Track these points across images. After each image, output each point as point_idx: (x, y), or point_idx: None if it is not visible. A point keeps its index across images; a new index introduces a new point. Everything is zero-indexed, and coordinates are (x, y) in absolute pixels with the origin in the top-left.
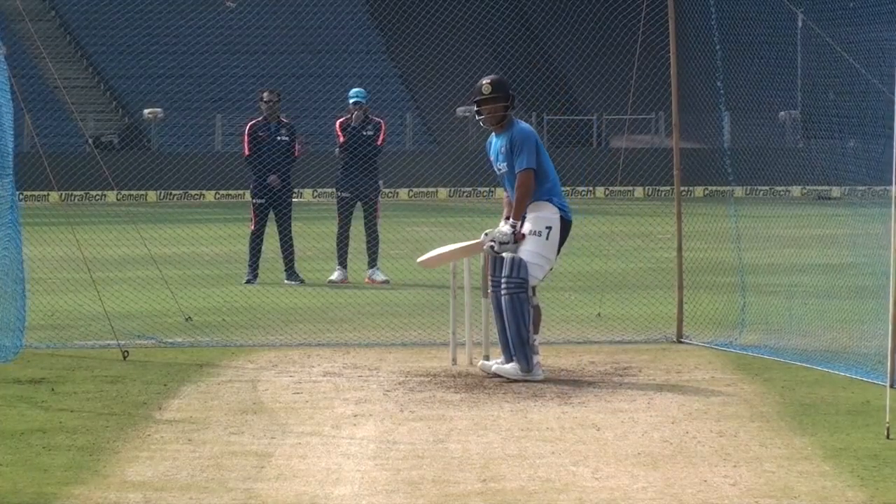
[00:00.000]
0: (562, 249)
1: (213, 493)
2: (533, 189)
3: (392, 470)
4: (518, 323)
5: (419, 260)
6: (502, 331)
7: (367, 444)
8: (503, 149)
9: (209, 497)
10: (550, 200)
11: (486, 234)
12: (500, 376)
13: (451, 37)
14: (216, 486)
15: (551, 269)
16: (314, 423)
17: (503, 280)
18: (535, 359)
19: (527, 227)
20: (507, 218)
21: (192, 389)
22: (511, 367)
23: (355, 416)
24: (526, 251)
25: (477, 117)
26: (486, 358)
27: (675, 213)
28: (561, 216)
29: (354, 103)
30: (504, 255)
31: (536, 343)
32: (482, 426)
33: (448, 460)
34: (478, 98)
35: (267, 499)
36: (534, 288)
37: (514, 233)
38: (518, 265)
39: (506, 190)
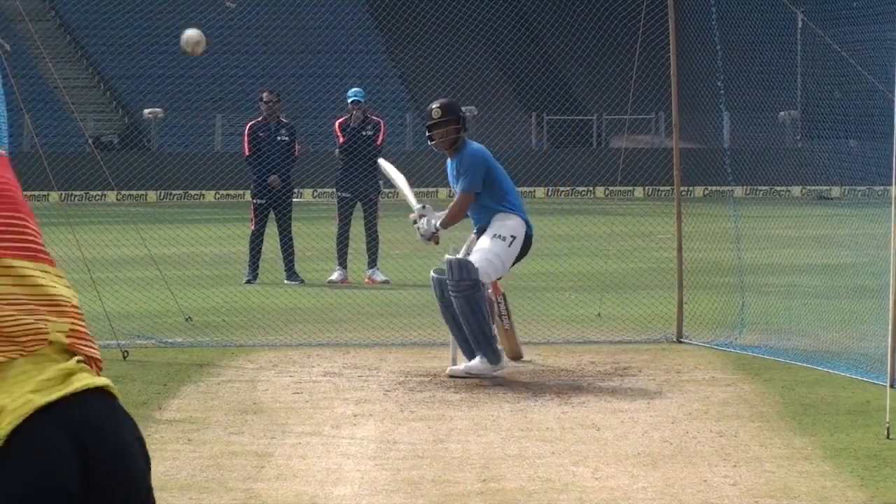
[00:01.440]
0: (520, 261)
1: (213, 492)
2: (467, 210)
3: (392, 470)
4: (478, 319)
5: (381, 162)
6: (459, 331)
7: (367, 444)
8: (455, 172)
9: (209, 497)
10: (517, 213)
11: (423, 211)
12: (472, 375)
13: (452, 36)
14: (216, 485)
15: (501, 277)
16: (314, 423)
17: (453, 284)
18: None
19: (492, 231)
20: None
21: (192, 389)
22: (479, 363)
23: (355, 415)
24: (485, 250)
25: (429, 142)
26: (454, 362)
27: (675, 214)
28: (525, 231)
29: (353, 102)
30: (450, 257)
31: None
32: (482, 426)
33: (448, 460)
34: (429, 122)
35: (267, 499)
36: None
37: (434, 234)
38: (466, 267)
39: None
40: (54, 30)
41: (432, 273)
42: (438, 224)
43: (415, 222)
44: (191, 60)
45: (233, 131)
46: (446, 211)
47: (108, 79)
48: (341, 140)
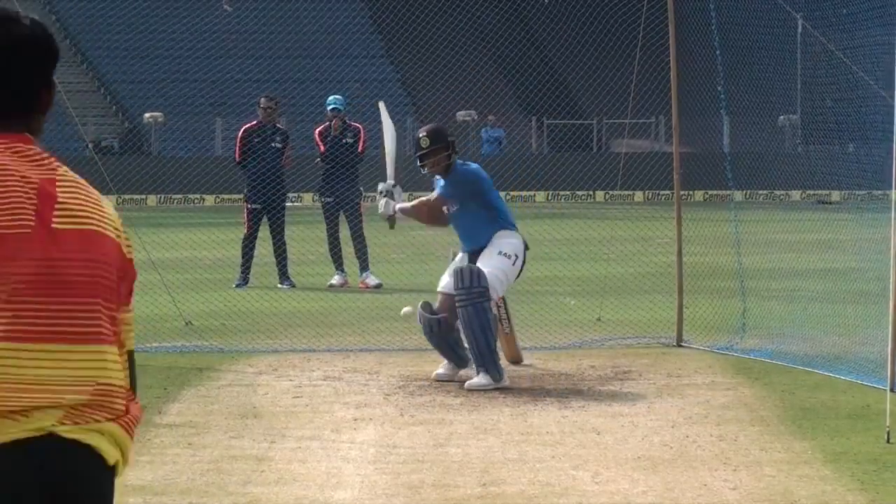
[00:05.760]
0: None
1: (213, 496)
2: (431, 214)
3: (392, 474)
4: (486, 333)
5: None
6: (451, 353)
7: (367, 448)
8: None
9: (209, 501)
10: (517, 232)
11: (392, 190)
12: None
13: (452, 41)
14: (216, 490)
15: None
16: (314, 427)
17: (462, 291)
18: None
19: (495, 248)
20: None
21: (192, 393)
22: (483, 380)
23: (355, 419)
24: (494, 267)
25: (423, 171)
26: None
27: (675, 218)
28: (524, 251)
29: (332, 110)
30: (460, 265)
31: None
32: (482, 430)
33: (448, 464)
34: (419, 153)
35: (267, 503)
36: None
37: (391, 216)
38: (477, 274)
39: (456, 230)
40: (54, 34)
41: (420, 311)
42: (398, 208)
43: (381, 193)
44: (191, 64)
45: (233, 135)
46: (416, 201)
47: (109, 83)
48: (322, 149)
